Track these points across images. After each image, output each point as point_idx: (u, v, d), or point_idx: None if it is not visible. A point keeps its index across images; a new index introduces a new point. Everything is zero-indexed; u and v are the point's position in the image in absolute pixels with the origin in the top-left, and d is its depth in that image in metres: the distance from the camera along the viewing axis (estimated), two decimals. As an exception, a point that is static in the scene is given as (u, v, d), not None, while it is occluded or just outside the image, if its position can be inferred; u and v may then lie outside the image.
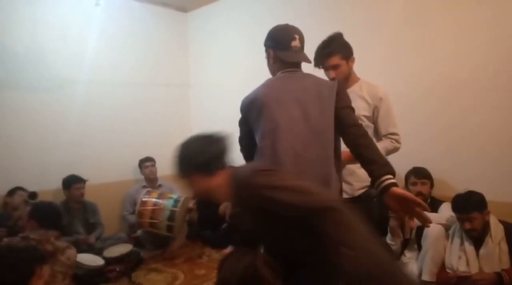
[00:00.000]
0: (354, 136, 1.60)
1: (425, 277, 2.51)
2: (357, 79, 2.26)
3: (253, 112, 1.68)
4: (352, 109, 1.67)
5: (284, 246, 1.40)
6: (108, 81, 4.28)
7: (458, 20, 2.91)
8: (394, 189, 1.44)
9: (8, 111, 3.66)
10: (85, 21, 4.19)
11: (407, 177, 2.96)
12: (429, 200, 2.82)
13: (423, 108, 3.07)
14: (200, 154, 1.40)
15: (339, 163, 1.69)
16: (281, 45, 1.74)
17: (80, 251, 3.35)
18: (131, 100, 4.47)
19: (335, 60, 2.15)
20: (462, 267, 2.41)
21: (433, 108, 3.02)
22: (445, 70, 2.96)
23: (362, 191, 2.20)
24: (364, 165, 1.59)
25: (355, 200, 2.19)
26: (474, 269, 2.37)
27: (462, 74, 2.88)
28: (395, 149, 2.21)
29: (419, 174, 2.88)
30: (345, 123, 1.61)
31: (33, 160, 3.68)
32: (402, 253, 2.82)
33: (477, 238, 2.43)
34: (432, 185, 2.86)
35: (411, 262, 2.72)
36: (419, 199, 1.42)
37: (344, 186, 2.17)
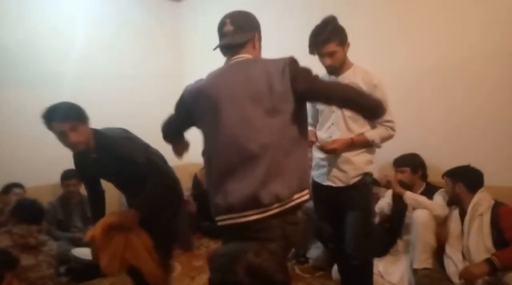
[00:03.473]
0: (344, 99, 1.57)
1: (415, 265, 2.51)
2: (350, 65, 2.22)
3: (199, 106, 1.59)
4: (317, 78, 1.55)
5: None
6: (99, 73, 4.25)
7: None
8: None
9: (3, 107, 3.65)
10: (73, 13, 4.14)
11: None
12: (423, 187, 2.79)
13: (420, 93, 3.02)
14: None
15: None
16: (219, 36, 1.65)
17: (78, 245, 3.38)
18: (124, 92, 4.43)
19: (331, 47, 2.09)
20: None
21: (430, 93, 2.97)
22: (441, 52, 2.90)
23: (358, 178, 2.20)
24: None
25: (350, 188, 2.19)
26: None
27: (458, 56, 2.82)
28: (390, 136, 2.21)
29: (397, 163, 2.86)
30: (325, 94, 1.56)
31: (30, 155, 3.68)
32: (395, 241, 2.83)
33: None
34: (417, 171, 2.80)
35: (403, 251, 2.73)
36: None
37: (339, 174, 2.21)
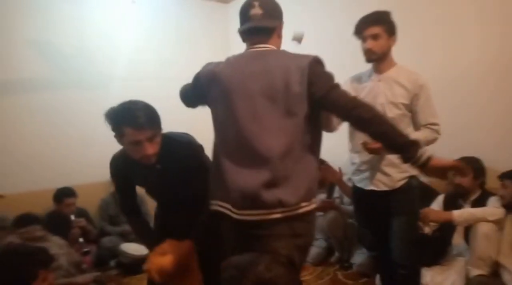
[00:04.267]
0: (361, 119, 1.38)
1: (474, 273, 2.36)
2: (393, 64, 2.11)
3: (212, 92, 1.51)
4: (337, 87, 1.41)
5: None
6: (147, 76, 4.38)
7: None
8: (432, 163, 1.40)
9: (58, 108, 3.87)
10: (123, 19, 4.30)
11: None
12: (478, 194, 2.60)
13: (477, 95, 2.84)
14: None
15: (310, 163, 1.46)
16: (242, 19, 1.51)
17: (128, 239, 3.53)
18: (171, 95, 4.51)
19: (377, 29, 1.99)
20: None
21: (488, 94, 2.79)
22: (495, 52, 2.71)
23: (403, 182, 2.08)
24: (387, 149, 1.53)
25: (395, 192, 2.09)
26: None
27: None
28: (434, 140, 2.08)
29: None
30: (341, 108, 1.39)
31: (81, 154, 3.85)
32: (445, 251, 2.69)
33: None
34: (478, 177, 2.61)
35: (454, 261, 2.60)
36: (454, 164, 1.49)
37: (383, 177, 2.10)
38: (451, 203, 2.64)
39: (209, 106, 1.59)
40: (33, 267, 1.84)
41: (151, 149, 1.55)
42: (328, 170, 3.14)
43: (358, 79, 2.20)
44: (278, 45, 1.54)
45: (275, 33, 1.51)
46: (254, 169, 1.38)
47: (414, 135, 2.04)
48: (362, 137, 2.10)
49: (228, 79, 1.45)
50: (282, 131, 1.38)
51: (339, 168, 3.15)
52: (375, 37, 2.00)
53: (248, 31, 1.49)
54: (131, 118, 1.50)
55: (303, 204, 1.41)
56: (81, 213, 3.49)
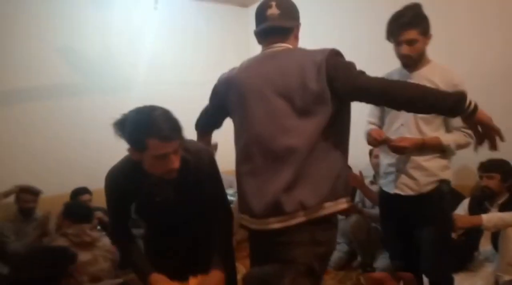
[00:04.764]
0: (400, 101, 1.29)
1: (504, 279, 2.26)
2: (428, 61, 1.99)
3: (230, 98, 1.48)
4: (362, 74, 1.32)
5: None
6: (167, 81, 4.44)
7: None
8: (479, 114, 1.26)
9: (84, 114, 3.99)
10: (143, 26, 4.38)
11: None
12: (506, 197, 2.52)
13: (505, 92, 2.76)
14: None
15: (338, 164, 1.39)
16: (258, 19, 1.46)
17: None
18: (191, 100, 4.54)
19: (412, 34, 1.85)
20: None
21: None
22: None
23: (432, 186, 1.97)
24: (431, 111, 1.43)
25: (423, 198, 1.97)
26: None
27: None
28: (467, 144, 1.95)
29: (485, 168, 2.58)
30: (374, 95, 1.30)
31: (99, 158, 3.86)
32: (472, 255, 2.61)
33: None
34: (506, 179, 2.52)
35: (482, 266, 2.51)
36: (495, 127, 1.29)
37: (408, 181, 2.00)
38: (477, 206, 2.56)
39: (230, 114, 1.55)
40: (61, 263, 1.94)
41: (177, 162, 1.38)
42: (348, 175, 3.09)
43: (389, 77, 2.03)
44: (295, 47, 1.50)
45: (292, 34, 1.46)
46: (273, 173, 1.33)
47: (444, 137, 1.95)
48: (391, 136, 2.01)
49: (243, 82, 1.42)
50: (301, 131, 1.31)
51: (360, 172, 3.10)
52: (411, 42, 1.88)
53: (264, 32, 1.45)
54: (157, 129, 1.30)
55: (327, 204, 1.33)
56: (99, 209, 3.57)
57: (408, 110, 1.39)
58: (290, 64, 1.35)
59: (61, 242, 2.54)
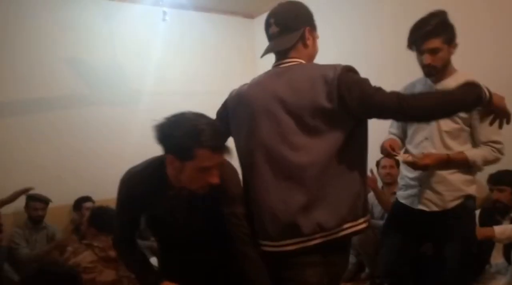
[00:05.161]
0: (421, 115, 1.31)
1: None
2: (453, 71, 1.87)
3: (238, 114, 1.45)
4: (378, 91, 1.26)
5: None
6: (174, 91, 4.45)
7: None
8: (495, 100, 1.34)
9: (92, 124, 4.01)
10: (151, 38, 4.43)
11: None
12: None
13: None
14: None
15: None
16: (267, 38, 1.46)
17: (156, 253, 3.53)
18: (203, 109, 4.57)
19: (435, 42, 1.75)
20: None
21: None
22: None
23: (457, 202, 1.86)
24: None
25: (447, 214, 1.87)
26: None
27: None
28: (496, 160, 1.84)
29: (495, 180, 2.54)
30: (391, 112, 1.29)
31: (106, 168, 3.92)
32: (483, 268, 2.56)
33: None
34: None
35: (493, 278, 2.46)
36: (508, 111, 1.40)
37: (433, 197, 1.89)
38: (488, 219, 2.52)
39: (232, 134, 1.50)
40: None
41: (218, 176, 1.27)
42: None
43: (412, 87, 2.00)
44: (306, 54, 1.43)
45: (298, 45, 1.40)
46: (287, 193, 1.29)
47: (470, 152, 1.84)
48: (414, 150, 1.92)
49: (252, 100, 1.39)
50: (311, 149, 1.27)
51: (371, 171, 2.97)
52: (433, 51, 1.77)
53: (271, 51, 1.44)
54: (209, 139, 1.20)
55: (346, 225, 1.30)
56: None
57: (432, 121, 1.40)
58: (300, 81, 1.31)
59: (87, 256, 2.26)
